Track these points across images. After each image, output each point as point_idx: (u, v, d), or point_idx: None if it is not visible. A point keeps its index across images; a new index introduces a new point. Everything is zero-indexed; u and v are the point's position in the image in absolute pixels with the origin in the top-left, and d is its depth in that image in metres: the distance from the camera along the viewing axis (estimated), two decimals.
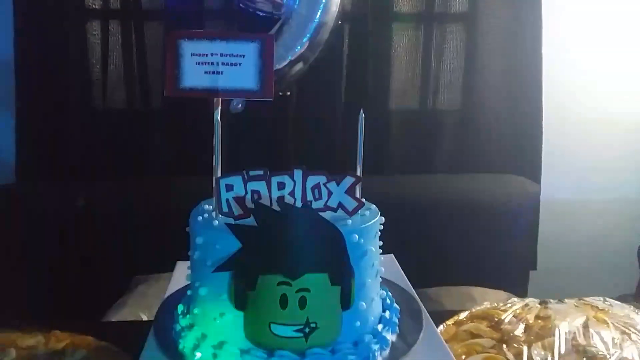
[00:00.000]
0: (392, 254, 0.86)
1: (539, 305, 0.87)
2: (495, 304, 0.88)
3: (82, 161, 1.60)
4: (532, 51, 1.60)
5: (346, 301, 0.58)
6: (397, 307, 0.67)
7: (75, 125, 1.60)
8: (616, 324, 0.77)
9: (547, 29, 1.57)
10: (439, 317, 0.87)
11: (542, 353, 0.71)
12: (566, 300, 0.89)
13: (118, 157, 1.61)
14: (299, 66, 1.49)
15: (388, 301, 0.67)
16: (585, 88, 1.67)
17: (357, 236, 0.58)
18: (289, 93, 1.59)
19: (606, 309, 0.84)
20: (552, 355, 0.70)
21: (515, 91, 1.63)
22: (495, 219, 1.59)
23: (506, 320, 0.80)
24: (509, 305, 0.86)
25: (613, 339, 0.73)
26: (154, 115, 1.64)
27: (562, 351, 0.71)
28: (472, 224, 1.58)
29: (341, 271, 0.57)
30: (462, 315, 0.86)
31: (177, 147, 1.61)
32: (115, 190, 1.58)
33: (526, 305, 0.86)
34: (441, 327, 0.83)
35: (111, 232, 1.50)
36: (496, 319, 0.81)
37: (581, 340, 0.73)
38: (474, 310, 0.87)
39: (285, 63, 1.46)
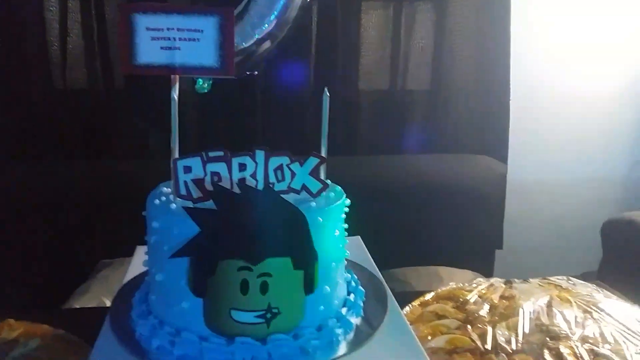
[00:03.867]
0: (359, 236, 0.85)
1: (503, 285, 0.87)
2: (461, 284, 0.88)
3: (44, 142, 1.53)
4: (501, 31, 1.60)
5: (309, 285, 0.56)
6: (363, 290, 0.66)
7: (35, 105, 1.53)
8: (579, 303, 0.78)
9: (515, 9, 1.57)
10: (406, 298, 0.87)
11: (506, 333, 0.71)
12: (530, 280, 0.90)
13: (81, 138, 1.56)
14: (267, 45, 1.45)
15: (353, 284, 0.66)
16: (552, 69, 1.69)
17: (320, 218, 0.56)
18: (256, 72, 1.56)
19: (570, 288, 0.85)
20: (516, 335, 0.70)
21: (483, 71, 1.63)
22: (463, 199, 1.60)
23: (471, 301, 0.80)
24: (474, 285, 0.86)
25: (576, 317, 0.74)
26: (116, 95, 1.58)
27: (526, 331, 0.71)
28: (440, 204, 1.59)
29: (304, 255, 0.55)
30: (428, 296, 0.86)
31: (141, 127, 1.56)
32: (78, 171, 1.53)
33: (491, 285, 0.87)
34: (407, 308, 0.83)
35: (75, 215, 1.46)
36: (461, 300, 0.81)
37: (545, 319, 0.73)
38: (439, 290, 0.87)
39: (252, 41, 1.42)
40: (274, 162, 0.57)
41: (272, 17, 1.41)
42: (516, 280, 0.90)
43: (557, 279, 0.89)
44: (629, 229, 1.17)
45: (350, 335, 0.59)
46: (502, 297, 0.81)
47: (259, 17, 1.41)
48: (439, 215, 1.58)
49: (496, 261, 1.66)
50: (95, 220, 1.45)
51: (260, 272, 0.53)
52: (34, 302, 1.36)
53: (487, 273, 1.48)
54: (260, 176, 0.57)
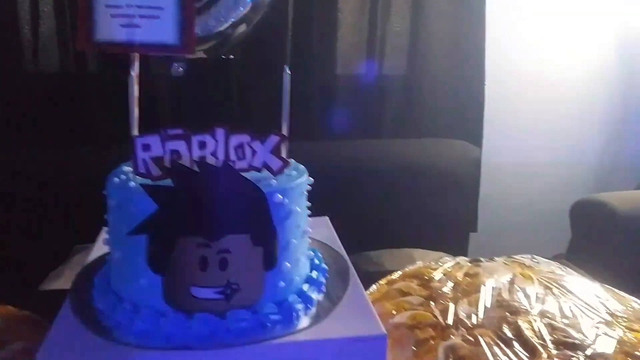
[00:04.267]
0: (326, 217, 0.86)
1: (469, 264, 0.89)
2: (428, 263, 0.89)
3: (16, 127, 1.51)
4: (476, 16, 1.60)
5: (269, 262, 0.57)
6: (326, 267, 0.67)
7: (6, 89, 1.50)
8: (541, 280, 0.80)
9: None
10: (377, 277, 0.88)
11: (468, 308, 0.72)
12: (496, 258, 0.92)
13: (53, 123, 1.54)
14: (242, 28, 1.44)
15: (316, 262, 0.67)
16: (526, 55, 1.70)
17: (280, 196, 0.56)
18: (232, 56, 1.55)
19: (533, 266, 0.87)
20: (477, 311, 0.72)
21: (459, 57, 1.64)
22: (438, 183, 1.62)
23: (436, 279, 0.82)
24: (440, 264, 0.88)
25: (537, 294, 0.76)
26: (89, 79, 1.56)
27: (487, 306, 0.73)
28: (415, 188, 1.60)
29: (263, 231, 0.56)
30: (395, 275, 0.87)
31: (116, 111, 1.55)
32: (52, 156, 1.51)
33: (457, 263, 0.88)
34: (374, 286, 0.85)
35: (51, 201, 1.44)
36: (426, 277, 0.83)
37: (506, 295, 0.75)
38: (407, 269, 0.88)
39: (227, 24, 1.41)
40: (235, 140, 0.58)
41: (248, 0, 1.41)
42: (482, 259, 0.92)
43: (522, 257, 0.91)
44: (596, 210, 1.20)
45: (311, 311, 0.59)
46: (466, 274, 0.83)
47: (234, 0, 1.40)
48: (414, 198, 1.60)
49: (470, 244, 1.68)
50: (71, 205, 1.44)
51: (219, 248, 0.54)
52: (6, 287, 1.35)
53: (462, 255, 1.50)
54: (220, 154, 0.57)
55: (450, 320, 0.71)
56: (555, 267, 0.88)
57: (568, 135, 1.76)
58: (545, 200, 1.79)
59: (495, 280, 0.79)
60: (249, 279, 0.56)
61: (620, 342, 0.67)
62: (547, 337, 0.66)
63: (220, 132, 0.57)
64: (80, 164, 1.48)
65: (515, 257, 0.91)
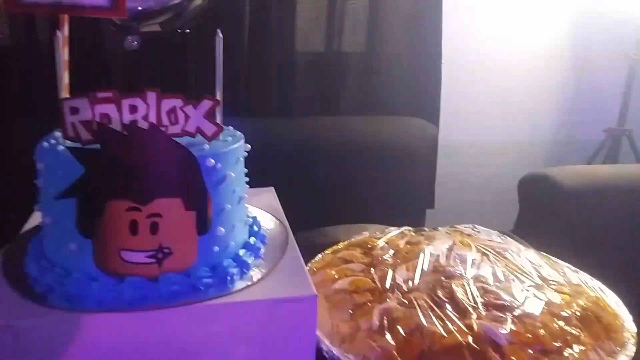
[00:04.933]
0: (272, 187, 0.86)
1: (413, 234, 0.91)
2: (374, 233, 0.91)
3: None
4: None
5: (202, 226, 0.57)
6: (264, 234, 0.68)
7: None
8: (478, 247, 0.83)
9: None
10: (326, 249, 0.90)
11: (405, 274, 0.74)
12: (439, 228, 0.94)
13: (6, 96, 1.49)
14: (198, 2, 1.42)
15: (255, 228, 0.67)
16: (483, 33, 1.72)
17: (212, 160, 0.56)
18: (188, 30, 1.52)
19: (473, 235, 0.90)
20: (414, 275, 0.74)
21: (416, 35, 1.65)
22: (396, 160, 1.64)
23: (379, 247, 0.83)
24: (385, 233, 0.90)
25: (473, 260, 0.78)
26: (41, 51, 1.51)
27: (424, 270, 0.75)
28: (373, 165, 1.62)
29: (195, 196, 0.56)
30: (341, 245, 0.89)
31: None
32: (4, 131, 1.46)
33: (401, 233, 0.91)
34: (319, 255, 0.86)
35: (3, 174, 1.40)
36: (369, 246, 0.84)
37: (443, 261, 0.77)
38: (352, 239, 0.90)
39: None
40: (167, 104, 0.57)
41: None
42: (426, 229, 0.94)
43: (464, 226, 0.93)
44: (542, 185, 1.23)
45: (247, 275, 0.60)
46: (407, 242, 0.85)
47: None
48: (372, 175, 1.61)
49: (427, 220, 1.71)
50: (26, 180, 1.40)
51: (149, 212, 0.54)
52: None
53: None
54: (152, 118, 0.57)
55: (388, 285, 0.73)
56: (495, 236, 0.91)
57: (523, 113, 1.80)
58: (501, 177, 1.83)
59: (434, 247, 0.81)
60: (181, 243, 0.56)
61: (548, 303, 0.70)
62: (479, 300, 0.69)
63: (151, 96, 0.56)
64: (29, 136, 1.44)
65: (458, 226, 0.93)
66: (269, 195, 0.83)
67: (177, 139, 0.55)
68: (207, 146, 0.58)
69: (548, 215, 1.22)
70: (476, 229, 0.93)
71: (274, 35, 1.61)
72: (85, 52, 1.42)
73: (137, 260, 0.55)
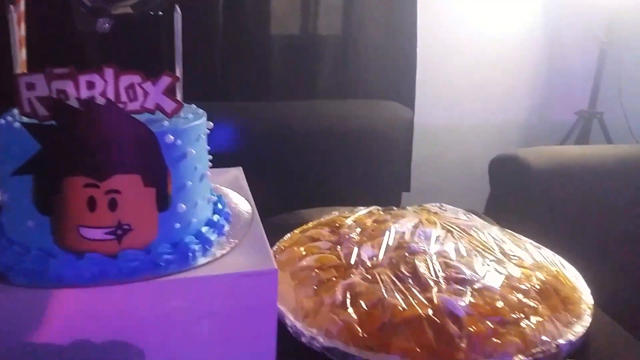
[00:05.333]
0: (240, 167, 0.86)
1: (382, 213, 0.92)
2: (343, 212, 0.92)
3: None
4: None
5: (162, 203, 0.57)
6: (229, 212, 0.68)
7: None
8: (444, 224, 0.84)
9: None
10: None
11: (371, 251, 0.75)
12: (408, 207, 0.95)
13: None
14: None
15: (220, 206, 0.68)
16: (457, 17, 1.73)
17: (171, 137, 0.56)
18: (160, 13, 1.50)
19: (440, 213, 0.91)
20: (379, 252, 0.75)
21: (391, 18, 1.65)
22: (372, 144, 1.64)
23: (346, 225, 0.84)
24: (353, 212, 0.91)
25: (437, 236, 0.80)
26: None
27: (389, 246, 0.76)
28: (349, 149, 1.62)
29: (155, 172, 0.56)
30: (310, 224, 0.89)
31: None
32: None
33: (369, 212, 0.91)
34: (288, 234, 0.87)
35: None
36: (337, 225, 0.85)
37: (407, 238, 0.78)
38: (322, 219, 0.91)
39: None
40: (125, 80, 0.57)
41: None
42: (395, 208, 0.95)
43: (432, 205, 0.95)
44: (512, 165, 1.25)
45: (209, 252, 0.60)
46: (375, 221, 0.86)
47: None
48: (348, 159, 1.62)
49: (403, 203, 1.73)
50: None
51: (107, 188, 0.54)
52: None
53: None
54: (110, 95, 0.57)
55: (352, 262, 0.74)
56: (461, 214, 0.93)
57: (497, 96, 1.82)
58: (476, 159, 1.85)
59: (400, 225, 0.82)
60: (141, 220, 0.56)
61: (508, 277, 0.71)
62: (440, 274, 0.70)
63: (108, 72, 0.56)
64: None
65: (426, 205, 0.95)
66: (237, 174, 0.84)
67: (136, 116, 0.55)
68: (166, 123, 0.58)
69: (517, 195, 1.24)
70: (443, 208, 0.94)
71: (249, 18, 1.60)
72: (57, 34, 1.40)
73: (95, 237, 0.55)
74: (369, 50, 1.68)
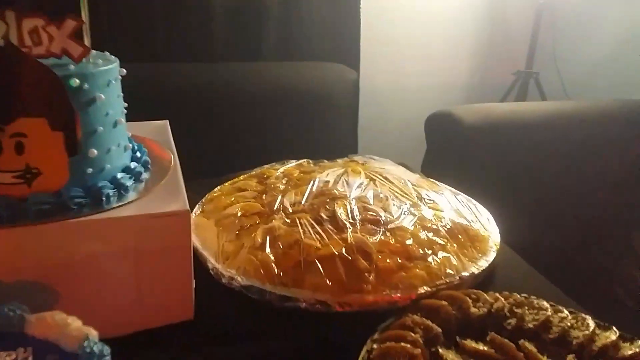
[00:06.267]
0: (166, 120, 0.87)
1: (312, 166, 0.95)
2: (274, 165, 0.94)
3: None
4: None
5: (71, 147, 0.58)
6: (148, 160, 0.69)
7: None
8: (367, 173, 0.87)
9: None
10: None
11: (293, 198, 0.78)
12: (338, 160, 0.98)
13: None
14: None
15: (138, 155, 0.69)
16: None
17: (77, 80, 0.56)
18: None
19: (366, 163, 0.94)
20: (302, 199, 0.77)
21: None
22: (318, 106, 1.66)
23: (274, 176, 0.86)
24: (283, 165, 0.93)
25: (360, 184, 0.82)
26: None
27: (311, 196, 0.79)
28: (295, 111, 1.63)
29: (61, 116, 0.56)
30: (241, 177, 0.91)
31: None
32: None
33: (299, 164, 0.94)
34: (217, 187, 0.88)
35: None
36: (265, 176, 0.87)
37: (330, 185, 0.81)
38: (252, 172, 0.92)
39: None
40: (28, 23, 0.56)
41: None
42: (325, 160, 0.98)
43: (361, 157, 0.98)
44: (446, 122, 1.29)
45: (125, 197, 0.62)
46: (302, 172, 0.88)
47: None
48: (293, 122, 1.62)
49: None
50: None
51: (12, 132, 0.54)
52: None
53: None
54: (13, 38, 0.56)
55: (275, 209, 0.76)
56: (389, 165, 0.96)
57: (440, 58, 1.85)
58: (421, 120, 1.89)
59: (325, 174, 0.85)
60: (50, 164, 0.57)
61: (421, 218, 0.75)
62: (357, 217, 0.73)
63: (10, 15, 0.55)
64: None
65: (354, 156, 0.97)
66: (162, 126, 0.84)
67: (42, 60, 0.55)
68: (72, 66, 0.58)
69: (450, 149, 1.28)
70: (372, 158, 0.97)
71: None
72: None
73: (4, 180, 0.55)
74: (313, 12, 1.68)
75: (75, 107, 0.57)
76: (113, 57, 0.66)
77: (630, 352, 0.55)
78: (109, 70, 0.62)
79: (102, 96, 0.60)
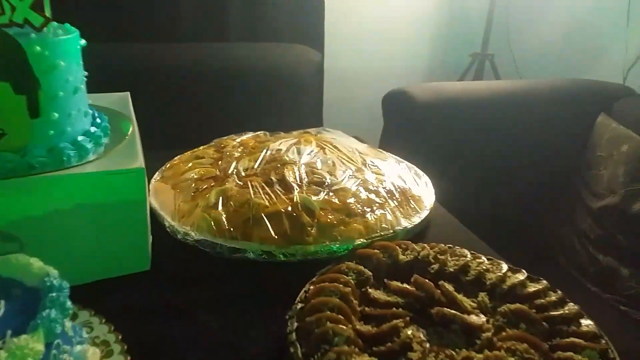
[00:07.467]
0: (128, 92, 0.91)
1: (270, 137, 1.01)
2: (232, 135, 1.00)
3: None
4: None
5: (33, 110, 0.63)
6: (108, 126, 0.74)
7: None
8: (319, 143, 0.93)
9: None
10: None
11: (247, 164, 0.84)
12: (294, 132, 1.04)
13: None
14: None
15: (99, 121, 0.74)
16: None
17: (38, 47, 0.61)
18: None
19: (320, 134, 1.01)
20: (254, 164, 0.84)
21: None
22: (282, 87, 1.70)
23: (230, 145, 0.92)
24: (240, 136, 0.98)
25: (311, 151, 0.89)
26: None
27: (263, 162, 0.85)
28: (260, 92, 1.67)
29: (24, 81, 0.61)
30: (202, 147, 0.97)
31: None
32: None
33: (256, 135, 1.00)
34: (178, 156, 0.93)
35: None
36: (222, 145, 0.93)
37: (282, 153, 0.87)
38: (212, 142, 0.98)
39: None
40: None
41: None
42: (282, 132, 1.04)
43: (315, 129, 1.04)
44: (400, 99, 1.36)
45: (85, 158, 0.67)
46: (258, 141, 0.94)
47: None
48: (258, 102, 1.67)
49: None
50: None
51: None
52: None
53: None
54: None
55: (229, 173, 0.82)
56: (341, 137, 1.02)
57: (401, 40, 1.92)
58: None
59: (279, 143, 0.91)
60: (14, 125, 0.62)
61: (363, 180, 0.82)
62: (305, 180, 0.80)
63: None
64: None
65: (310, 130, 1.04)
66: (123, 97, 0.89)
67: (6, 29, 0.60)
68: (33, 35, 0.62)
69: (404, 125, 1.36)
70: (326, 130, 1.04)
71: None
72: None
73: None
74: None
75: (37, 73, 0.62)
76: (73, 28, 0.71)
77: (533, 289, 0.63)
78: (68, 39, 0.67)
79: (62, 63, 0.65)
